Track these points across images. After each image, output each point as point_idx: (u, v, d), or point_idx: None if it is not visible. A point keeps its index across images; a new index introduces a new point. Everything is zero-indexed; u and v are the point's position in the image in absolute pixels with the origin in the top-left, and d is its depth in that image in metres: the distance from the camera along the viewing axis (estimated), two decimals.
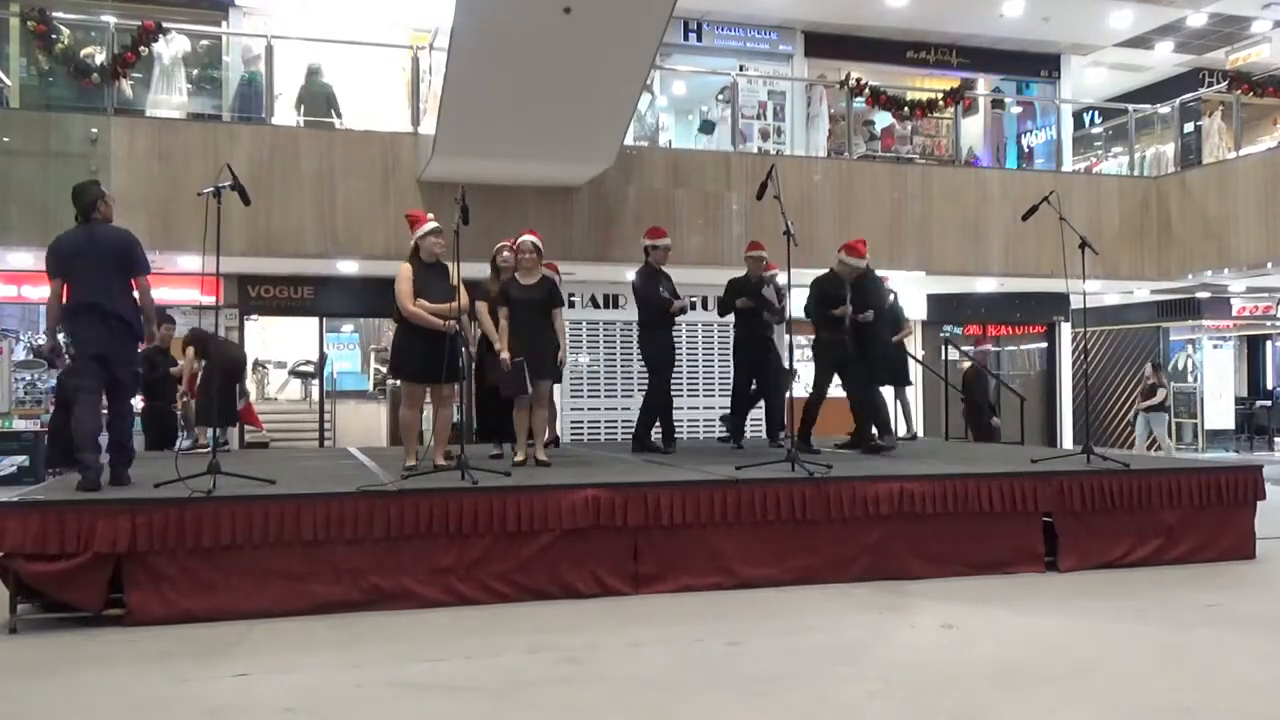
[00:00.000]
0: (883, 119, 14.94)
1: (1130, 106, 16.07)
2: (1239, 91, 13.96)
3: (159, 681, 4.46)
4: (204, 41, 12.30)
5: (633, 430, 8.76)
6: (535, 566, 5.90)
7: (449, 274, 6.64)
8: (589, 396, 13.85)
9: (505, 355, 6.97)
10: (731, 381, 9.34)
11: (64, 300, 5.94)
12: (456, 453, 6.40)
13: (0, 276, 12.55)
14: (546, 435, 7.91)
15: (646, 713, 4.06)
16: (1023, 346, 17.49)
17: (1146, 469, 7.10)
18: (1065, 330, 17.04)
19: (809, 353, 9.14)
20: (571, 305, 12.79)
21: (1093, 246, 7.63)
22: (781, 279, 8.47)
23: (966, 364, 13.69)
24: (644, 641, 5.08)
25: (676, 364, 8.65)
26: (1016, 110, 16.85)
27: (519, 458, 7.17)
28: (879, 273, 9.30)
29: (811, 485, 6.33)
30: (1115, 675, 4.51)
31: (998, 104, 16.58)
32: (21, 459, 12.24)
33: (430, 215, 6.85)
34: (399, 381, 7.85)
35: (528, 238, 7.24)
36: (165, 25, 11.24)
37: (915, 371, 12.55)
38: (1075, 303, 16.02)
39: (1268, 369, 20.51)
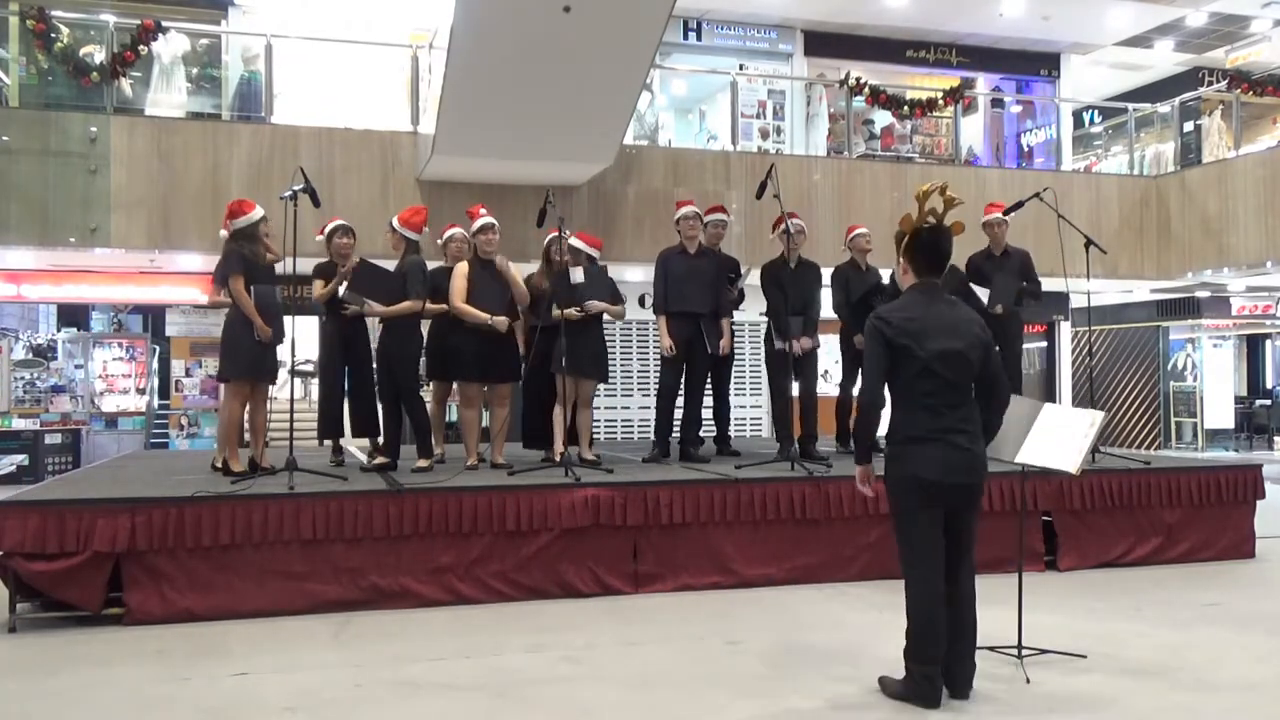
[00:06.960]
0: (882, 118, 14.92)
1: (1130, 106, 16.04)
2: (1239, 91, 13.94)
3: (158, 680, 4.46)
4: (203, 41, 12.29)
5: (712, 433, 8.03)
6: (535, 566, 5.91)
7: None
8: None
9: None
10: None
11: None
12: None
13: (0, 275, 12.53)
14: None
15: (646, 713, 4.06)
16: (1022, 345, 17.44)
17: (1146, 468, 7.11)
18: (1065, 329, 17.02)
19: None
20: None
21: (1099, 245, 7.60)
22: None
23: None
24: (644, 641, 5.08)
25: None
26: (1016, 109, 16.84)
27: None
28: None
29: (811, 484, 6.34)
30: (1113, 674, 4.51)
31: (997, 103, 16.56)
32: (21, 458, 12.25)
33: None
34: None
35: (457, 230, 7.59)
36: (164, 24, 11.23)
37: None
38: (1075, 302, 16.01)
39: (1267, 368, 20.49)
